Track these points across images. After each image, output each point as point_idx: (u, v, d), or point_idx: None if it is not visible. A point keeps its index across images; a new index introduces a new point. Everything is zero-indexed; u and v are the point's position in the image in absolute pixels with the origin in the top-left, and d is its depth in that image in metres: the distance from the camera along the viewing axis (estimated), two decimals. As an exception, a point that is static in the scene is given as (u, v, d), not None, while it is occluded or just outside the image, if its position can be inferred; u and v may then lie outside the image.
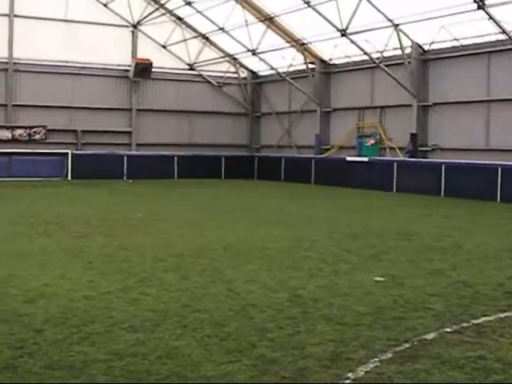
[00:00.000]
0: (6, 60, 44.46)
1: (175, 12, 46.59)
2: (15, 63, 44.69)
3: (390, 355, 7.55)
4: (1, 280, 11.27)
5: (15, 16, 44.48)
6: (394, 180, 36.98)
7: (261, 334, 8.30)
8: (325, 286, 11.28)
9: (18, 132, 44.43)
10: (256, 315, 9.25)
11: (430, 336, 8.38)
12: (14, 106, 44.63)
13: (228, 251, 14.74)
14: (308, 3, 37.19)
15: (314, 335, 8.31)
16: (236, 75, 50.60)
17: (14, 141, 44.11)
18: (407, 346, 7.94)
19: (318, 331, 8.50)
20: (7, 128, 44.25)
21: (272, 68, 47.25)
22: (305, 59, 43.73)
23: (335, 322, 8.97)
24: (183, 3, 44.16)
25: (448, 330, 8.70)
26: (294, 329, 8.59)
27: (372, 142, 41.02)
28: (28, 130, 44.57)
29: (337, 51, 42.45)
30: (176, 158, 46.93)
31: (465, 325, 8.97)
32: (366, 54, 38.54)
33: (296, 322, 8.90)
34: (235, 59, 49.51)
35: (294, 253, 14.79)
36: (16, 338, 8.00)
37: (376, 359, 7.38)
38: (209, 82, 50.03)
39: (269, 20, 42.14)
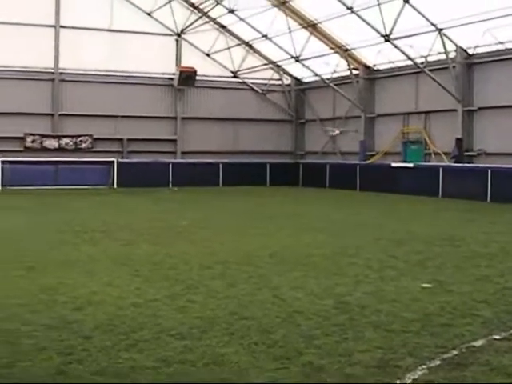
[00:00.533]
0: (53, 70, 45.05)
1: (219, 20, 46.79)
2: (61, 73, 45.24)
3: (438, 362, 7.48)
4: (49, 287, 11.37)
5: (61, 27, 45.05)
6: (440, 185, 36.69)
7: (308, 341, 8.27)
8: (371, 292, 11.22)
9: (65, 141, 44.94)
10: (303, 322, 9.23)
11: (479, 343, 8.28)
12: (60, 115, 45.15)
13: (273, 258, 14.74)
14: (351, 9, 37.15)
15: (362, 342, 8.26)
16: (280, 82, 50.66)
17: (60, 150, 44.65)
18: (455, 353, 7.86)
19: (366, 338, 8.44)
20: (54, 137, 44.81)
21: (316, 74, 47.24)
22: (348, 65, 43.64)
23: (382, 328, 8.91)
24: (226, 11, 44.34)
25: (497, 337, 8.60)
26: (341, 336, 8.55)
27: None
28: (74, 139, 45.07)
29: (380, 57, 42.29)
30: (221, 166, 47.05)
31: (514, 332, 8.89)
32: (409, 59, 38.39)
33: (343, 329, 8.85)
34: (279, 66, 49.57)
35: (339, 259, 14.74)
36: (65, 344, 8.07)
37: (424, 366, 7.32)
38: (253, 90, 50.14)
39: (312, 26, 42.14)
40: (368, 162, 43.58)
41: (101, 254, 15.32)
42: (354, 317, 9.54)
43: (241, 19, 45.04)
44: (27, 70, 44.50)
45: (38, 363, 7.36)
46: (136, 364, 7.34)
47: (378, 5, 34.79)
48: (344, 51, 43.13)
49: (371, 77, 44.64)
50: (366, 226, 22.01)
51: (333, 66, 45.15)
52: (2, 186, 41.98)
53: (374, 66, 44.15)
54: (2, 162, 42.47)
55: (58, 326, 8.89)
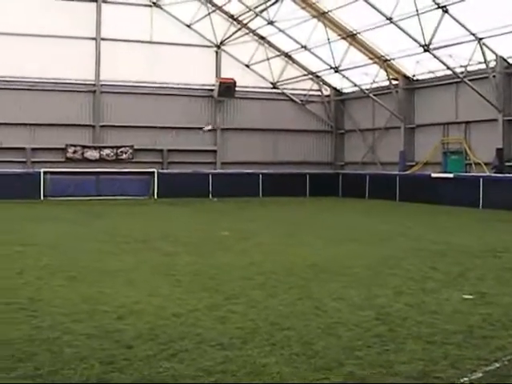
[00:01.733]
0: (94, 82, 45.49)
1: (258, 31, 46.94)
2: (102, 85, 45.66)
3: (479, 375, 7.42)
4: (91, 297, 11.46)
5: (102, 39, 45.50)
6: (480, 196, 36.36)
7: (349, 352, 8.23)
8: (412, 303, 11.14)
9: (106, 152, 45.32)
10: (343, 333, 9.19)
11: (521, 355, 8.22)
12: (101, 126, 45.58)
13: (314, 268, 14.70)
14: (390, 19, 37.07)
15: (403, 354, 8.21)
16: (319, 93, 50.67)
17: (101, 160, 45.06)
18: (497, 365, 7.79)
19: (407, 350, 8.39)
20: (95, 148, 45.22)
21: (355, 85, 47.19)
22: (388, 75, 43.51)
23: (424, 340, 8.85)
24: (266, 22, 44.44)
25: (540, 349, 8.53)
26: (381, 347, 8.50)
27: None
28: (115, 150, 45.44)
29: (420, 67, 42.18)
30: (261, 176, 47.08)
31: (557, 344, 8.78)
32: (449, 68, 38.22)
33: (384, 341, 8.81)
34: (318, 77, 49.58)
35: (379, 270, 14.67)
36: (107, 353, 8.12)
37: (466, 379, 7.26)
38: (292, 100, 50.18)
39: (351, 37, 42.13)
40: (408, 172, 43.36)
41: (142, 264, 15.41)
42: (394, 328, 9.49)
43: (280, 30, 45.15)
44: (69, 81, 45.01)
45: (79, 372, 7.41)
46: (177, 374, 7.36)
47: (417, 15, 34.68)
48: (383, 61, 43.03)
49: (410, 87, 44.46)
50: (406, 237, 21.88)
51: (372, 77, 45.05)
52: (44, 196, 42.42)
53: (414, 76, 43.98)
54: (44, 172, 42.93)
55: (99, 335, 8.96)
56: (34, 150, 44.52)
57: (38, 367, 7.54)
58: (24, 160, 44.34)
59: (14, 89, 44.10)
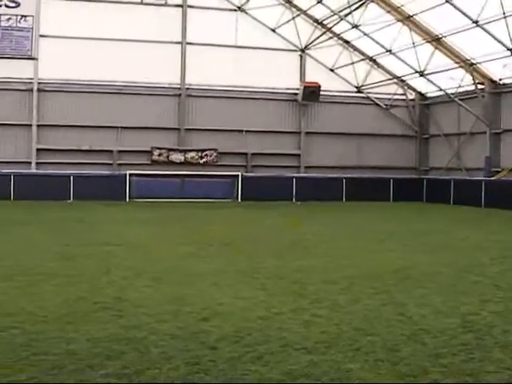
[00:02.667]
0: (179, 86, 46.02)
1: (342, 35, 46.77)
2: (187, 88, 46.14)
3: None
4: (175, 298, 11.58)
5: (188, 43, 45.98)
6: None
7: (433, 360, 8.13)
8: (499, 312, 10.94)
9: (191, 155, 45.79)
10: (428, 340, 9.09)
11: None
12: (186, 129, 46.09)
13: (398, 274, 14.58)
14: (476, 22, 36.53)
15: (489, 363, 8.06)
16: (404, 97, 50.22)
17: (186, 163, 45.54)
18: None
19: (493, 359, 8.23)
20: (180, 151, 45.72)
21: (440, 89, 46.63)
22: (474, 80, 42.83)
23: (511, 349, 8.70)
24: (350, 26, 44.30)
25: None
26: (467, 355, 8.36)
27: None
28: (200, 153, 45.87)
29: (507, 70, 41.39)
30: (344, 181, 46.93)
31: None
32: (538, 72, 37.52)
33: (469, 349, 8.66)
34: (403, 81, 49.17)
35: (464, 277, 14.45)
36: (192, 354, 8.19)
37: (556, 389, 7.14)
38: (377, 105, 49.87)
39: (436, 41, 41.64)
40: (494, 178, 42.63)
41: (226, 266, 15.50)
42: (480, 336, 9.33)
43: (365, 34, 44.94)
44: (155, 85, 45.63)
45: (165, 372, 7.50)
46: (262, 377, 7.39)
47: (504, 17, 34.12)
48: (469, 65, 42.38)
49: (497, 91, 43.69)
50: (492, 244, 21.52)
51: (458, 81, 44.41)
52: (129, 198, 43.08)
53: (500, 80, 43.21)
54: (130, 174, 43.61)
55: (184, 336, 9.05)
56: (120, 152, 45.28)
57: (126, 366, 7.67)
58: (111, 162, 45.14)
59: (102, 92, 44.94)
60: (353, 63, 47.98)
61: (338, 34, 46.74)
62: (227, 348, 8.50)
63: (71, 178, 42.99)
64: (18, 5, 43.27)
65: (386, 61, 47.67)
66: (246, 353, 8.29)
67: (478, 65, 42.50)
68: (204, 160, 46.03)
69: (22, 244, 19.33)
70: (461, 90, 44.93)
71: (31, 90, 44.21)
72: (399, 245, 20.88)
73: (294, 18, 45.95)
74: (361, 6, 40.67)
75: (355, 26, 43.98)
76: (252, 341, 8.85)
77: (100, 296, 11.66)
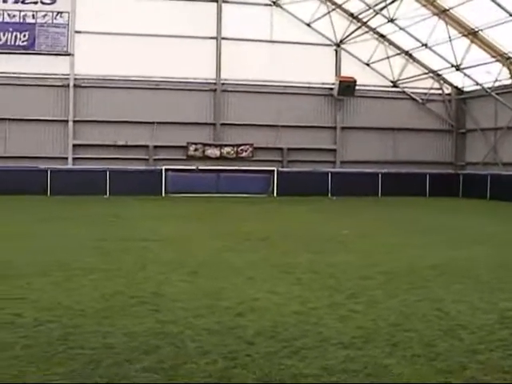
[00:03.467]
0: (214, 81, 46.11)
1: (378, 30, 46.55)
2: (223, 84, 46.21)
3: None
4: (212, 293, 11.60)
5: (223, 38, 46.04)
6: None
7: (471, 356, 8.06)
8: (538, 308, 10.83)
9: (226, 150, 45.87)
10: (465, 336, 9.01)
11: None
12: (221, 124, 46.17)
13: (435, 270, 14.47)
14: (513, 15, 36.22)
15: (527, 359, 8.00)
16: (440, 91, 49.90)
17: (221, 158, 45.67)
18: None
19: (532, 355, 8.16)
20: (216, 146, 45.84)
21: (477, 83, 46.24)
22: (511, 73, 42.41)
23: (549, 346, 8.60)
24: (386, 20, 44.06)
25: None
26: (505, 352, 8.27)
27: None
28: (235, 148, 45.93)
29: (545, 65, 41.00)
30: (380, 176, 46.79)
31: None
32: None
33: (507, 345, 8.56)
34: (439, 75, 48.84)
35: (502, 273, 14.30)
36: (229, 349, 8.19)
37: None
38: (412, 99, 49.60)
39: (473, 34, 41.27)
40: (532, 173, 42.29)
41: (262, 261, 15.52)
42: (518, 333, 9.25)
43: (400, 28, 44.68)
44: (190, 80, 45.78)
45: (202, 366, 7.50)
46: (298, 372, 7.36)
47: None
48: (506, 59, 41.95)
49: (535, 85, 43.32)
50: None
51: (494, 75, 43.99)
52: (165, 193, 43.30)
53: (539, 74, 42.81)
54: (166, 169, 43.83)
55: (221, 331, 9.05)
56: (156, 147, 45.49)
57: (163, 360, 7.69)
58: (147, 157, 45.38)
59: (138, 88, 45.19)
60: (388, 57, 47.74)
61: (374, 28, 46.53)
62: (264, 343, 8.49)
63: (107, 173, 43.29)
64: (54, 1, 43.65)
65: (422, 55, 47.35)
66: (283, 348, 8.27)
67: (516, 59, 42.13)
68: (240, 155, 46.10)
69: (59, 239, 19.48)
70: (498, 84, 44.48)
71: (67, 86, 44.54)
72: (436, 240, 20.75)
73: (329, 13, 45.81)
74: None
75: (391, 20, 43.74)
76: (288, 336, 8.83)
77: (137, 290, 11.72)
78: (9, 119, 43.85)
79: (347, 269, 14.43)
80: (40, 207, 33.06)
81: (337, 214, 32.17)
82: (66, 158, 44.61)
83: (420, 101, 49.61)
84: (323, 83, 48.04)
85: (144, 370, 7.33)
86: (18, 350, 8.01)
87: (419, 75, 48.56)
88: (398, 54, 48.05)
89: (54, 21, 43.79)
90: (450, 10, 40.47)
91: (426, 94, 49.45)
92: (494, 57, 42.42)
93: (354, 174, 46.67)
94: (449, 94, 50.33)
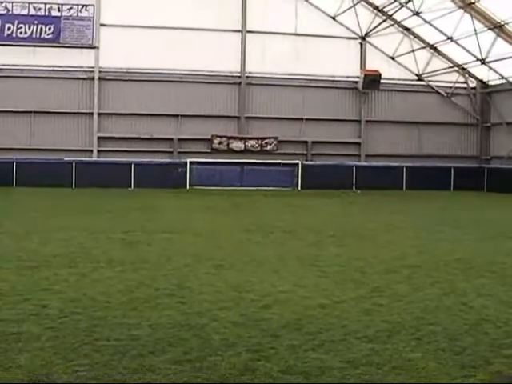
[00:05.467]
0: (239, 74, 46.14)
1: (403, 23, 46.37)
2: (247, 77, 46.20)
3: None
4: (237, 285, 11.62)
5: (248, 32, 46.01)
6: None
7: (496, 350, 8.01)
8: None
9: (251, 143, 45.90)
10: (491, 330, 8.95)
11: None
12: (246, 117, 46.19)
13: (460, 264, 14.41)
14: (541, 9, 35.96)
15: (554, 354, 7.94)
16: (465, 85, 49.66)
17: (246, 151, 45.69)
18: None
19: (558, 350, 8.11)
20: (240, 139, 45.87)
21: (502, 77, 45.97)
22: (537, 67, 42.18)
23: None
24: (411, 14, 43.91)
25: None
26: (531, 347, 8.26)
27: None
28: (260, 141, 45.95)
29: None
30: (404, 169, 46.64)
31: None
32: None
33: (533, 340, 8.55)
34: (464, 69, 48.61)
35: (529, 267, 14.26)
36: (253, 341, 8.21)
37: None
38: (437, 93, 49.37)
39: (498, 28, 41.05)
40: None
41: (287, 254, 15.52)
42: (545, 327, 9.18)
43: (426, 21, 44.49)
44: (215, 74, 45.83)
45: (226, 358, 7.52)
46: (323, 364, 7.36)
47: None
48: (533, 53, 41.75)
49: (562, 79, 42.99)
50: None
51: (521, 69, 43.77)
52: (190, 185, 43.40)
53: None
54: (191, 162, 43.93)
55: (246, 323, 9.07)
56: (180, 140, 45.60)
57: (188, 352, 7.72)
58: (171, 150, 45.49)
59: (162, 81, 45.32)
60: (413, 51, 47.55)
61: (399, 22, 46.35)
62: (288, 335, 8.50)
63: (132, 165, 43.44)
64: (79, -6, 43.91)
65: (447, 48, 47.14)
66: (307, 341, 8.27)
67: (542, 52, 41.83)
68: (264, 148, 46.10)
69: (85, 231, 19.57)
70: (524, 77, 44.27)
71: (92, 79, 44.75)
72: (461, 234, 20.67)
73: (354, 6, 45.69)
74: (422, -8, 40.34)
75: (416, 13, 43.58)
76: (313, 329, 8.83)
77: (162, 283, 11.76)
78: (34, 112, 44.14)
79: (372, 262, 14.41)
80: (65, 200, 33.22)
81: (361, 208, 32.12)
82: (91, 151, 44.84)
83: (445, 94, 49.38)
84: (348, 76, 47.96)
85: (169, 362, 7.35)
86: (43, 341, 8.06)
87: (444, 69, 48.34)
88: (422, 48, 47.84)
89: (79, 14, 43.97)
90: (476, 3, 40.29)
91: (450, 87, 49.23)
92: (520, 50, 42.18)
93: (379, 167, 46.56)
94: (474, 88, 50.08)
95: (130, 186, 42.75)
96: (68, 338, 8.25)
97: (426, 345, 8.22)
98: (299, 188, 44.88)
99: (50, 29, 43.76)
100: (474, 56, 44.63)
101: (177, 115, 45.60)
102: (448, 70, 48.51)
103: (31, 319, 9.11)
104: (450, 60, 48.18)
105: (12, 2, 43.20)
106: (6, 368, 7.07)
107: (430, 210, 31.42)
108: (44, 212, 26.21)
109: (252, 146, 46.04)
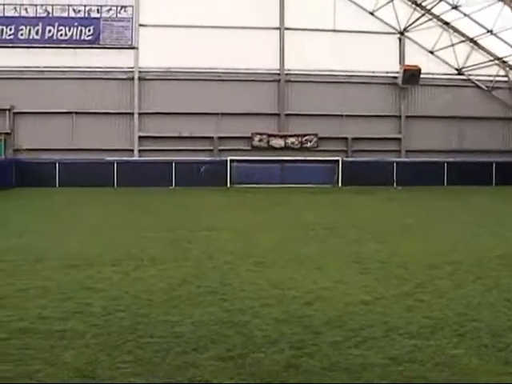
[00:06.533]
0: (278, 71, 46.14)
1: (442, 17, 46.03)
2: (286, 74, 46.19)
3: None
4: (279, 282, 11.65)
5: (286, 29, 45.99)
6: None
7: (540, 347, 7.97)
8: None
9: (291, 140, 45.89)
10: (535, 327, 8.92)
11: None
12: (286, 115, 46.18)
13: (503, 260, 14.27)
14: None
15: None
16: (506, 78, 49.14)
17: (286, 149, 45.69)
18: None
19: None
20: (280, 136, 45.88)
21: (544, 70, 45.52)
22: None
23: None
24: (450, 7, 43.61)
25: None
26: None
27: None
28: (300, 138, 45.93)
29: None
30: (445, 165, 46.30)
31: None
32: None
33: None
34: (504, 62, 48.10)
35: None
36: (296, 338, 8.23)
37: None
38: (478, 87, 48.94)
39: (540, 20, 40.63)
40: None
41: (328, 250, 15.53)
42: None
43: (465, 15, 44.15)
44: (254, 71, 45.86)
45: (269, 355, 7.56)
46: (365, 361, 7.37)
47: None
48: None
49: None
50: None
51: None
52: (230, 183, 43.50)
53: None
54: (231, 160, 44.02)
55: (288, 320, 9.09)
56: (220, 138, 45.72)
57: (230, 349, 7.77)
58: (211, 148, 45.63)
59: (202, 80, 45.48)
60: (453, 45, 47.18)
61: (438, 16, 46.03)
62: (330, 332, 8.51)
63: (173, 164, 43.64)
64: (118, -5, 44.23)
65: (487, 42, 46.71)
66: (350, 337, 8.28)
67: None
68: (304, 145, 46.06)
69: (127, 230, 19.75)
70: None
71: (132, 79, 45.05)
72: (503, 229, 20.46)
73: (392, 1, 45.47)
74: (461, -14, 40.03)
75: (455, 7, 43.28)
76: (355, 325, 8.83)
77: (204, 280, 11.83)
78: (75, 112, 44.57)
79: (414, 258, 14.34)
80: (107, 199, 33.49)
81: (402, 204, 31.98)
82: (132, 150, 45.14)
83: (485, 88, 48.94)
84: (387, 72, 47.73)
85: (212, 359, 7.41)
86: (88, 339, 8.17)
87: (484, 62, 47.89)
88: (462, 42, 47.45)
89: (118, 15, 44.30)
90: (517, -5, 39.89)
91: (491, 81, 48.76)
92: (561, 43, 41.72)
93: (419, 163, 46.27)
94: (515, 81, 49.61)
95: (171, 185, 42.95)
96: (112, 335, 8.35)
97: (468, 341, 8.18)
98: (340, 185, 44.78)
99: (89, 30, 44.14)
100: (515, 49, 44.28)
101: (216, 113, 45.73)
102: (488, 63, 48.06)
103: (76, 317, 9.23)
104: (490, 53, 47.73)
105: (52, 5, 43.64)
106: (52, 364, 7.20)
107: (471, 205, 31.21)
108: (86, 211, 26.47)
109: (292, 143, 46.01)
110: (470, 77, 48.79)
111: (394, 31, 47.53)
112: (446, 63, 48.36)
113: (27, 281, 11.72)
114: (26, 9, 43.50)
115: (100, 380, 6.77)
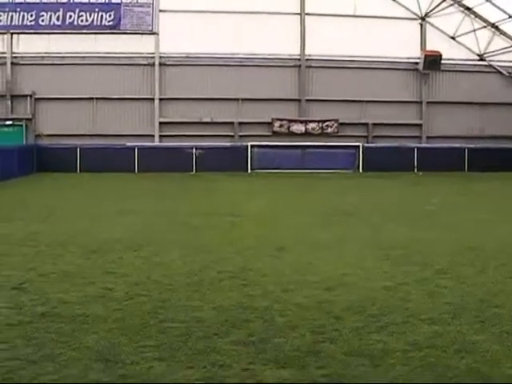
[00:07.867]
0: (299, 57, 45.98)
1: (463, 2, 45.68)
2: (307, 59, 46.04)
3: None
4: (300, 267, 11.69)
5: (306, 14, 45.81)
6: None
7: (561, 336, 7.94)
8: None
9: (311, 126, 45.75)
10: (554, 315, 8.88)
11: None
12: (307, 100, 46.03)
13: (525, 246, 14.29)
14: None
15: None
16: (528, 64, 48.79)
17: (307, 134, 45.53)
18: None
19: None
20: (301, 122, 45.74)
21: None
22: None
23: None
24: (472, -8, 43.31)
25: None
26: None
27: None
28: (320, 124, 45.77)
29: None
30: (466, 151, 46.05)
31: None
32: None
33: None
34: (527, 48, 47.75)
35: None
36: (317, 323, 8.27)
37: None
38: (499, 73, 48.59)
39: None
40: None
41: (349, 236, 15.54)
42: None
43: (486, 0, 43.78)
44: (275, 57, 45.71)
45: (290, 340, 7.60)
46: (386, 347, 7.40)
47: None
48: None
49: None
50: None
51: None
52: (251, 169, 43.49)
53: None
54: (252, 146, 43.98)
55: (309, 306, 9.13)
56: (241, 124, 45.65)
57: (251, 334, 7.82)
58: (232, 134, 45.60)
59: (222, 65, 45.36)
60: (474, 30, 46.81)
61: (459, 1, 45.68)
62: (352, 318, 8.55)
63: (194, 150, 43.68)
64: (139, -19, 44.18)
65: (509, 27, 46.29)
66: (371, 323, 8.31)
67: None
68: (325, 131, 45.95)
69: (149, 215, 19.81)
70: None
71: (153, 65, 45.03)
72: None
73: (413, -15, 45.22)
74: (483, -30, 39.73)
75: (477, -8, 42.97)
76: (376, 311, 8.86)
77: (225, 265, 11.87)
78: (96, 98, 44.61)
79: (435, 244, 14.33)
80: (128, 184, 33.60)
81: (423, 189, 31.88)
82: (153, 136, 45.18)
83: (507, 74, 48.58)
84: (408, 58, 47.41)
85: (233, 343, 7.46)
86: (110, 323, 8.24)
87: (506, 48, 47.50)
88: (484, 27, 47.06)
89: (139, 0, 44.25)
90: (540, -20, 39.56)
91: (514, 67, 48.43)
92: None
93: (441, 149, 45.98)
94: (538, 67, 49.21)
95: (192, 170, 42.97)
96: (134, 319, 8.41)
97: (490, 327, 8.19)
98: (360, 170, 44.63)
99: (110, 16, 44.13)
100: (538, 34, 43.93)
101: (237, 99, 45.63)
102: (510, 48, 47.67)
103: (98, 301, 9.31)
104: (511, 38, 47.37)
105: (73, -10, 43.73)
106: (73, 348, 7.27)
107: (493, 191, 31.07)
108: (108, 197, 26.57)
109: (313, 128, 45.86)
110: (492, 62, 48.41)
111: (415, 17, 47.21)
112: (468, 49, 48.01)
113: (49, 265, 11.81)
114: (46, -6, 43.59)
115: (122, 364, 6.81)
